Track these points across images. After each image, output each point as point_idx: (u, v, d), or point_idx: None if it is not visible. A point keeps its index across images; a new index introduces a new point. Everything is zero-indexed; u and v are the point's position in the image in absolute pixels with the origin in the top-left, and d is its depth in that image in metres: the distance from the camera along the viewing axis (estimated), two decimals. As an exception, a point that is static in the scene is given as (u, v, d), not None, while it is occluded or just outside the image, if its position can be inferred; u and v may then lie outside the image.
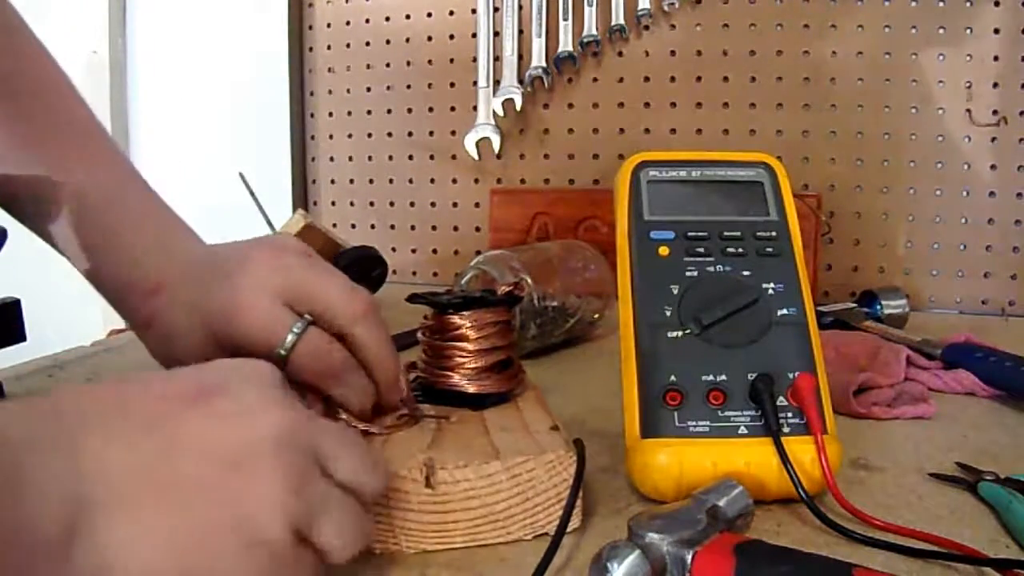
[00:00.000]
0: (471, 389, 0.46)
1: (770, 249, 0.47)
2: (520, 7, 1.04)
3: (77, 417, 0.27)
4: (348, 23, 1.15)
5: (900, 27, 0.92)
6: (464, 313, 0.46)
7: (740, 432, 0.42)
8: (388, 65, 1.13)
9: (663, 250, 0.46)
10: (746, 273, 0.46)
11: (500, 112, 1.04)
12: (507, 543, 0.39)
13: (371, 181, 1.16)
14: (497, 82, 1.05)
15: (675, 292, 0.45)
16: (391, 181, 1.15)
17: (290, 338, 0.41)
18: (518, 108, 1.04)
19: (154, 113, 1.31)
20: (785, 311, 0.45)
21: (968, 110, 0.91)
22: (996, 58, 0.89)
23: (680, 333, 0.44)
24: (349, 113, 1.16)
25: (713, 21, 0.98)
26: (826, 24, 0.94)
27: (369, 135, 1.16)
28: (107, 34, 1.27)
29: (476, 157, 1.06)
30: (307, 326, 0.42)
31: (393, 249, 1.15)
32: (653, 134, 1.02)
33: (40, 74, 0.49)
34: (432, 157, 1.12)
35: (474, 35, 1.06)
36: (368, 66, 1.14)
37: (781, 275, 0.46)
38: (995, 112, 0.90)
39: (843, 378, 0.56)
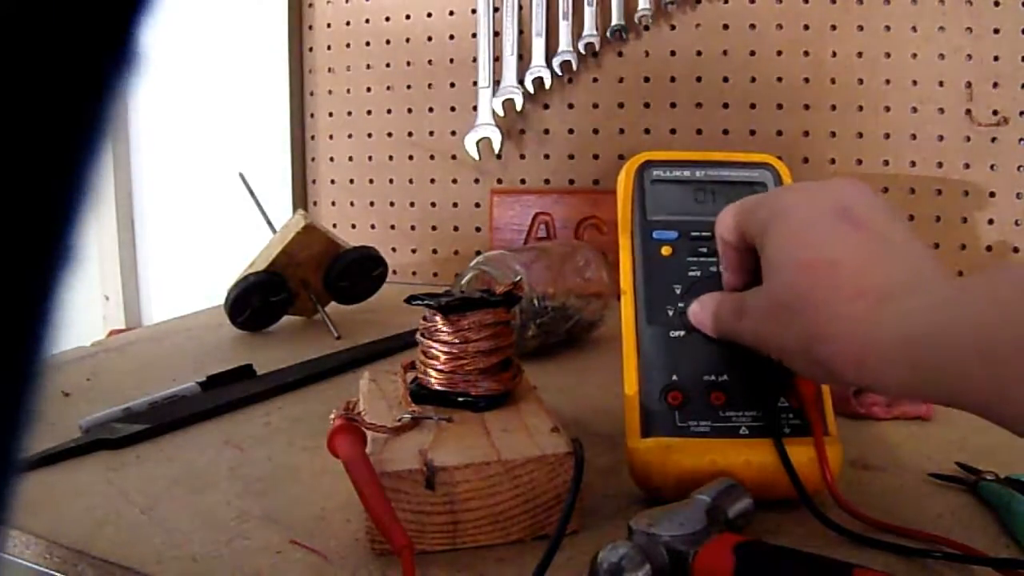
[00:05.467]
0: (471, 390, 0.46)
1: None
2: (520, 7, 1.04)
3: None
4: (348, 23, 1.15)
5: (900, 27, 0.92)
6: (463, 314, 0.46)
7: (741, 432, 0.42)
8: (388, 65, 1.13)
9: (665, 250, 0.46)
10: (747, 273, 0.46)
11: (500, 112, 1.04)
12: (507, 543, 0.39)
13: (371, 181, 1.16)
14: (497, 82, 1.04)
15: (677, 292, 0.45)
16: (391, 181, 1.15)
17: None
18: (518, 108, 1.04)
19: (154, 113, 1.31)
20: (786, 311, 0.45)
21: (968, 110, 0.91)
22: (996, 58, 0.89)
23: (682, 333, 0.44)
24: (349, 113, 1.16)
25: (713, 21, 0.98)
26: (826, 25, 0.94)
27: (369, 135, 1.16)
28: (107, 34, 1.27)
29: (476, 157, 1.06)
30: None
31: (393, 249, 1.15)
32: (653, 134, 1.02)
33: None
34: (432, 157, 1.12)
35: (474, 35, 1.06)
36: (368, 66, 1.14)
37: None
38: (995, 112, 0.90)
39: (843, 378, 0.56)
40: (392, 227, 1.16)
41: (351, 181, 1.18)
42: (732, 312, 0.40)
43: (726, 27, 0.97)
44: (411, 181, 1.14)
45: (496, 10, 1.04)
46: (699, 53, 0.99)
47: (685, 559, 0.33)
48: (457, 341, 0.46)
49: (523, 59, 1.04)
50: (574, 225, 1.03)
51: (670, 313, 0.45)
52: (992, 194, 0.91)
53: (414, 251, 1.15)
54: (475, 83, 1.06)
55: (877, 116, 0.94)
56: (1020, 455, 0.48)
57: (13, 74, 0.12)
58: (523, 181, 1.08)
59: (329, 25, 1.16)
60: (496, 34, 1.05)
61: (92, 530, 0.42)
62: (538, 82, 1.03)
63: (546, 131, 1.07)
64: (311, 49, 1.18)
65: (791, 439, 0.41)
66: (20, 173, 0.13)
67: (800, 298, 0.35)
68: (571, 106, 1.05)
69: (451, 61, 1.09)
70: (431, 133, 1.12)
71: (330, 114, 1.18)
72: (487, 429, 0.43)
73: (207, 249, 1.28)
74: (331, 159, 1.19)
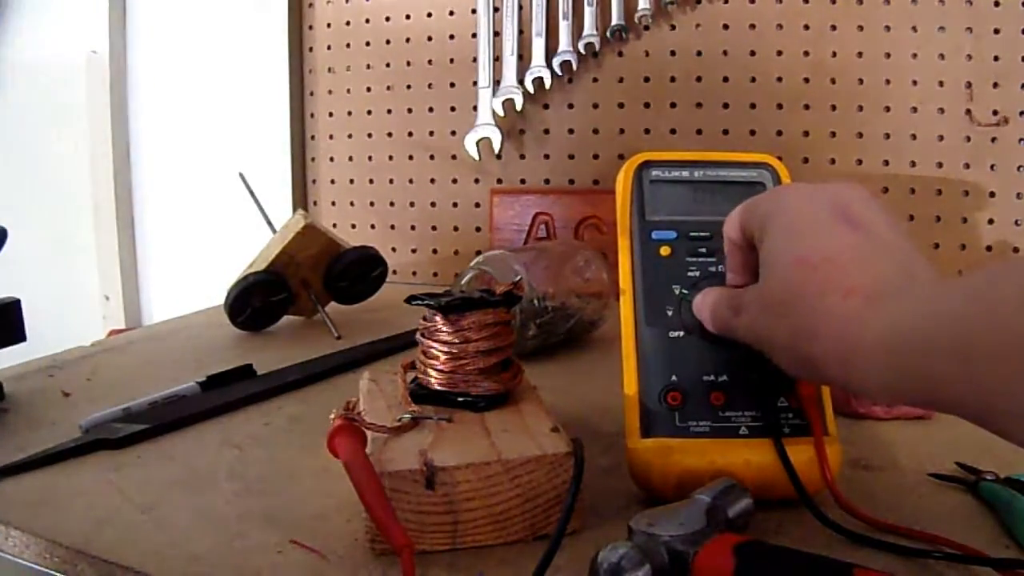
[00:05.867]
0: (471, 390, 0.46)
1: None
2: (520, 7, 1.04)
3: None
4: (348, 23, 1.15)
5: (900, 27, 0.92)
6: (463, 314, 0.46)
7: (741, 432, 0.42)
8: (388, 65, 1.13)
9: (665, 250, 0.46)
10: (747, 273, 0.46)
11: (500, 112, 1.04)
12: (507, 544, 0.39)
13: (371, 181, 1.16)
14: (497, 82, 1.04)
15: (676, 292, 0.45)
16: (391, 181, 1.15)
17: None
18: (518, 108, 1.04)
19: (154, 113, 1.31)
20: (785, 311, 0.45)
21: (968, 110, 0.91)
22: (996, 58, 0.89)
23: (681, 333, 0.44)
24: (349, 113, 1.16)
25: (713, 21, 0.98)
26: (826, 25, 0.94)
27: (369, 135, 1.16)
28: (107, 34, 1.27)
29: (476, 157, 1.06)
30: None
31: (393, 249, 1.15)
32: (653, 134, 1.02)
33: None
34: (432, 157, 1.12)
35: (474, 35, 1.06)
36: (368, 66, 1.14)
37: None
38: (995, 112, 0.90)
39: (843, 378, 0.56)
40: (392, 227, 1.16)
41: (351, 181, 1.18)
42: (729, 307, 0.40)
43: (726, 27, 0.97)
44: (411, 181, 1.14)
45: (496, 10, 1.04)
46: (699, 53, 0.99)
47: (685, 559, 0.33)
48: (457, 341, 0.46)
49: (523, 59, 1.04)
50: (574, 225, 1.03)
51: (669, 313, 0.45)
52: (992, 194, 0.91)
53: (414, 251, 1.15)
54: (475, 83, 1.06)
55: (877, 116, 0.94)
56: (1020, 455, 0.48)
57: None
58: (523, 181, 1.08)
59: (329, 25, 1.16)
60: (496, 34, 1.05)
61: (92, 530, 0.42)
62: (538, 82, 1.03)
63: (546, 131, 1.07)
64: (311, 49, 1.18)
65: (791, 439, 0.41)
66: None
67: (792, 294, 0.35)
68: (571, 106, 1.05)
69: (451, 61, 1.09)
70: (431, 133, 1.12)
71: (330, 114, 1.18)
72: (487, 429, 0.43)
73: (207, 249, 1.28)
74: (331, 159, 1.19)
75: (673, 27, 0.99)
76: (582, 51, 1.01)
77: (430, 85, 1.11)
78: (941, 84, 0.91)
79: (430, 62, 1.10)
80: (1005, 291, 0.27)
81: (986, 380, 0.27)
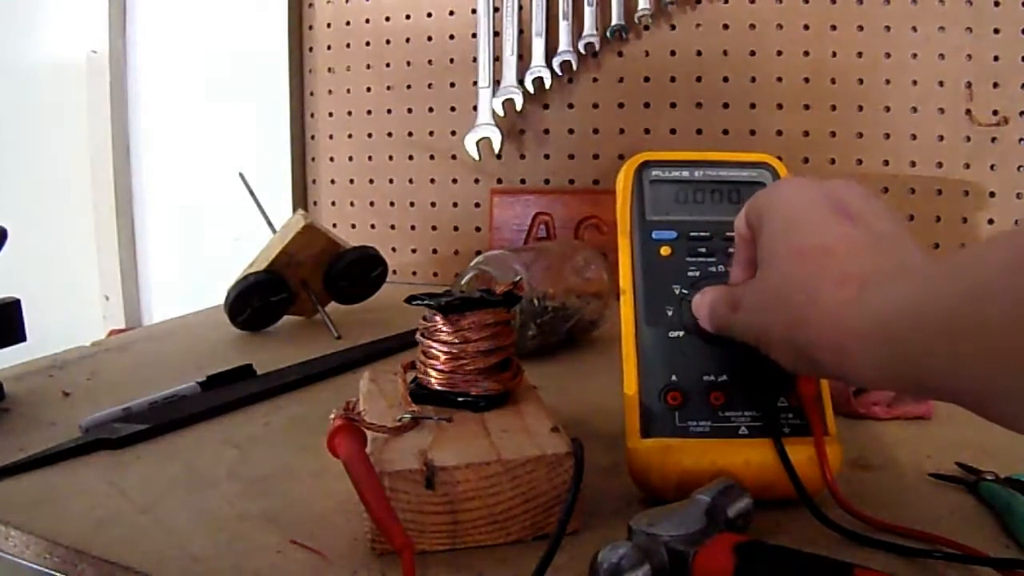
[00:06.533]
0: (471, 390, 0.46)
1: None
2: (520, 7, 1.04)
3: None
4: (348, 23, 1.15)
5: (900, 27, 0.92)
6: (463, 314, 0.46)
7: (741, 432, 0.42)
8: (388, 65, 1.13)
9: (665, 250, 0.46)
10: (747, 273, 0.46)
11: (500, 112, 1.04)
12: (507, 544, 0.39)
13: (371, 181, 1.16)
14: (497, 82, 1.04)
15: (677, 292, 0.45)
16: (391, 181, 1.15)
17: None
18: (518, 108, 1.04)
19: (154, 112, 1.31)
20: (786, 311, 0.45)
21: (968, 110, 0.91)
22: (996, 58, 0.89)
23: (681, 333, 0.44)
24: (349, 113, 1.16)
25: (713, 21, 0.98)
26: (826, 25, 0.94)
27: (369, 135, 1.16)
28: (107, 34, 1.27)
29: (476, 157, 1.06)
30: None
31: (393, 249, 1.15)
32: (653, 134, 1.02)
33: None
34: (432, 157, 1.12)
35: (474, 35, 1.06)
36: (368, 66, 1.14)
37: None
38: (995, 112, 0.90)
39: (843, 378, 0.56)
40: (392, 227, 1.16)
41: (351, 181, 1.18)
42: (727, 304, 0.40)
43: (726, 27, 0.97)
44: (411, 181, 1.14)
45: (496, 10, 1.04)
46: (699, 53, 0.99)
47: (685, 559, 0.33)
48: (457, 341, 0.46)
49: (523, 59, 1.04)
50: (574, 225, 1.03)
51: (669, 313, 0.45)
52: (992, 194, 0.91)
53: (414, 251, 1.15)
54: (475, 83, 1.06)
55: (877, 116, 0.94)
56: (1020, 455, 0.48)
57: None
58: (523, 181, 1.08)
59: (329, 25, 1.16)
60: (496, 34, 1.05)
61: (92, 530, 0.42)
62: (538, 82, 1.03)
63: (546, 131, 1.07)
64: (311, 49, 1.18)
65: (791, 439, 0.41)
66: None
67: (789, 285, 0.35)
68: (571, 106, 1.05)
69: (451, 61, 1.09)
70: (431, 133, 1.12)
71: (330, 114, 1.18)
72: (487, 429, 0.43)
73: (207, 249, 1.28)
74: (331, 159, 1.19)
75: (673, 27, 0.99)
76: (582, 51, 1.01)
77: (430, 85, 1.11)
78: (941, 84, 0.91)
79: (430, 62, 1.10)
80: (989, 264, 0.27)
81: (975, 358, 0.26)
